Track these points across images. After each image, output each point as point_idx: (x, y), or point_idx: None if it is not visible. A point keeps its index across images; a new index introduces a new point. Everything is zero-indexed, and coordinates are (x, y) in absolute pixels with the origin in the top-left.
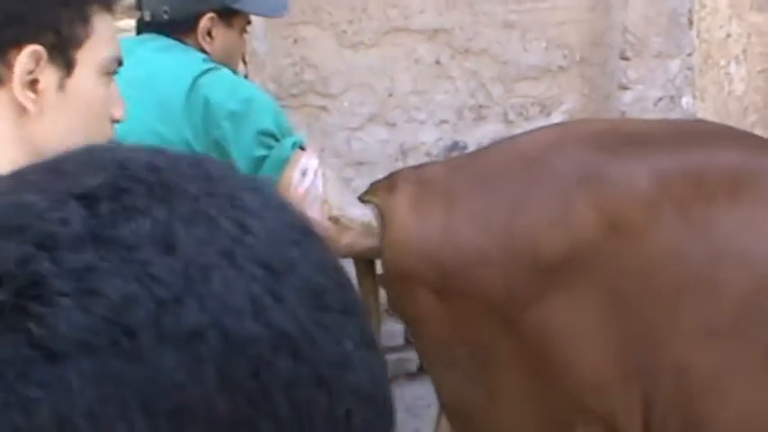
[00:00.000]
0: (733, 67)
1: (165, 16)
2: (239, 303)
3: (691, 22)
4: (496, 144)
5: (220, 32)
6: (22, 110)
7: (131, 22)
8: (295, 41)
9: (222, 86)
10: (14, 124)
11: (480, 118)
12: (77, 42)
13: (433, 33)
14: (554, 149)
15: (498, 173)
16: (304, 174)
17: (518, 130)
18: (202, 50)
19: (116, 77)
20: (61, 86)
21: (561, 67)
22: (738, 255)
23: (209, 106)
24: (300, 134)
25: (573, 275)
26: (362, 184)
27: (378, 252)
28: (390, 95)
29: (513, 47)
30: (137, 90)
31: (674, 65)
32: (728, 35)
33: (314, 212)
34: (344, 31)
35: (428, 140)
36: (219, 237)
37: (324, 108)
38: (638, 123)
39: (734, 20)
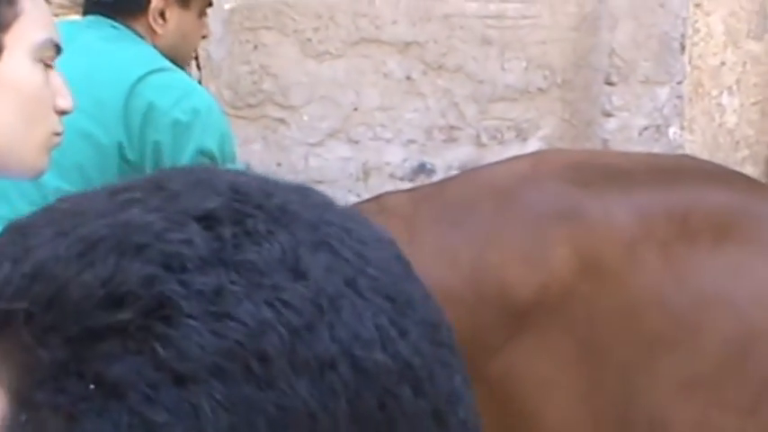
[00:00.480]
0: (725, 98)
1: None
2: (368, 334)
3: (683, 48)
4: (465, 173)
5: (175, 14)
6: None
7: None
8: (255, 47)
9: (170, 91)
10: None
11: (451, 139)
12: (3, 26)
13: (405, 46)
14: (528, 182)
15: (467, 205)
16: None
17: (491, 155)
18: (153, 34)
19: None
20: None
21: (541, 89)
22: (722, 300)
23: (152, 110)
24: (240, 164)
25: (545, 318)
26: None
27: None
28: (355, 110)
29: (490, 65)
30: (72, 84)
31: (663, 92)
32: (723, 63)
33: None
34: (309, 40)
35: (393, 161)
36: (343, 265)
37: (282, 121)
38: (620, 156)
39: (729, 47)
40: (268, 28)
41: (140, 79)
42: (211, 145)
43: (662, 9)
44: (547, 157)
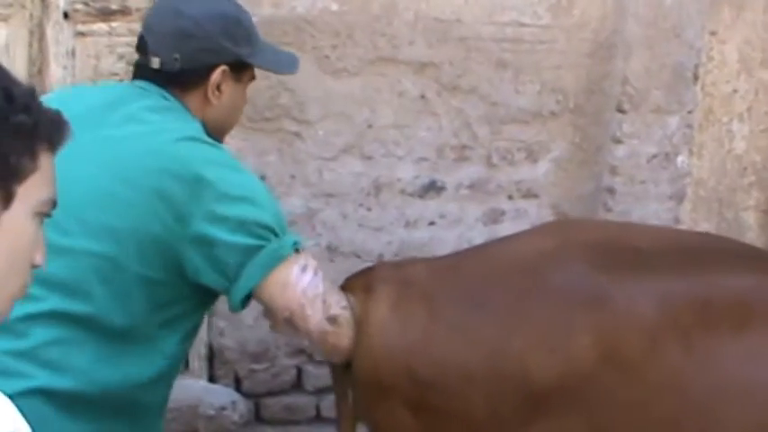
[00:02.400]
0: (735, 125)
1: (177, 65)
2: None
3: (696, 78)
4: (485, 247)
5: (229, 86)
6: None
7: None
8: None
9: (222, 170)
10: None
11: (462, 158)
12: (22, 176)
13: (421, 67)
14: (552, 262)
15: (488, 281)
16: (304, 270)
17: (501, 175)
18: (206, 106)
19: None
20: None
21: (553, 113)
22: (742, 388)
23: (201, 182)
24: (299, 236)
25: (563, 405)
26: (330, 215)
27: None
28: (369, 127)
29: (504, 87)
30: (112, 151)
31: (673, 121)
32: (735, 91)
33: (315, 310)
34: (327, 57)
35: (405, 177)
36: None
37: (297, 134)
38: (643, 234)
39: (742, 75)
40: (287, 44)
41: (186, 150)
42: (268, 218)
43: (677, 39)
44: (568, 233)
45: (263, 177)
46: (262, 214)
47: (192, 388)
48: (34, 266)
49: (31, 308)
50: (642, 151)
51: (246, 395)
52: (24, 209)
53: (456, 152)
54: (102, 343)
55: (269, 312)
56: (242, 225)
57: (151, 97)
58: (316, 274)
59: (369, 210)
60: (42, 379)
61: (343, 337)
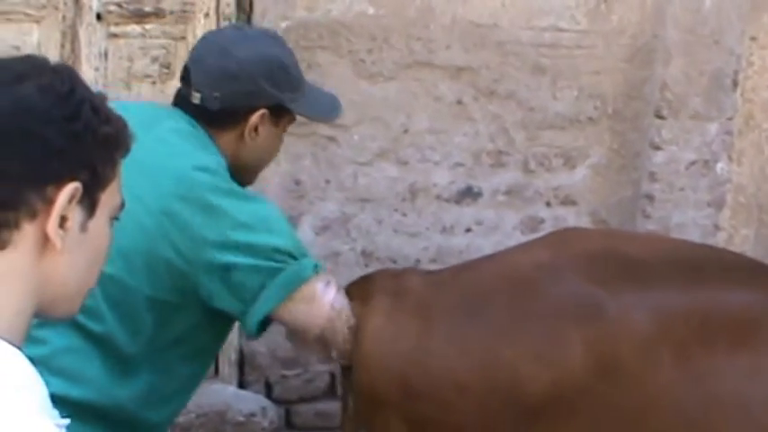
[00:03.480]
0: None
1: (216, 104)
2: None
3: (735, 84)
4: (484, 259)
5: (267, 129)
6: (44, 247)
7: None
8: (309, 66)
9: (237, 199)
10: (34, 261)
11: (499, 164)
12: (105, 184)
13: (457, 71)
14: (547, 274)
15: (484, 293)
16: (327, 285)
17: (538, 181)
18: (239, 144)
19: None
20: (84, 227)
21: (591, 119)
22: (736, 404)
23: (217, 211)
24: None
25: (556, 417)
26: (365, 220)
27: None
28: (405, 132)
29: (541, 93)
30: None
31: (713, 128)
32: None
33: (341, 323)
34: (363, 61)
35: (440, 182)
36: None
37: (332, 139)
38: (643, 245)
39: None
40: (323, 48)
41: (198, 175)
42: (285, 243)
43: (716, 45)
44: (567, 245)
45: (297, 182)
46: (279, 240)
47: (221, 393)
48: None
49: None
50: (681, 157)
51: (277, 401)
52: (104, 215)
53: (492, 158)
54: (113, 360)
55: (295, 333)
56: (259, 251)
57: (180, 122)
58: (338, 289)
59: (404, 215)
60: (55, 386)
61: None
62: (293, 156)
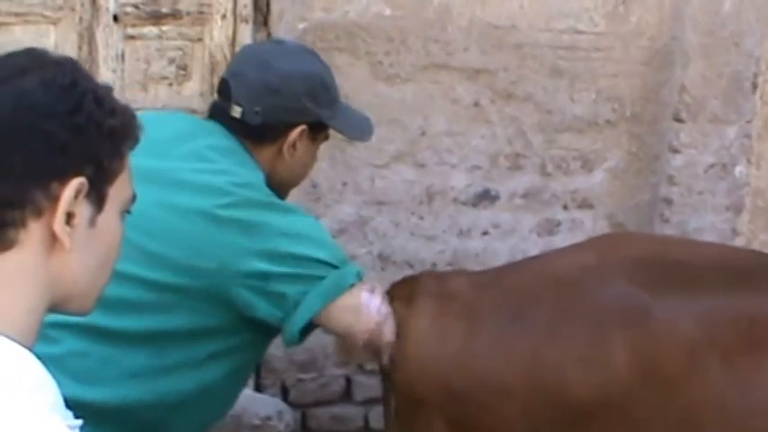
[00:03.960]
0: None
1: (257, 119)
2: None
3: (754, 87)
4: (528, 261)
5: (304, 145)
6: (52, 244)
7: None
8: None
9: (278, 213)
10: (42, 259)
11: (516, 167)
12: (112, 178)
13: (475, 73)
14: (593, 276)
15: (528, 296)
16: (372, 292)
17: (555, 184)
18: (277, 159)
19: None
20: (92, 222)
21: (609, 122)
22: None
23: (258, 225)
24: (360, 267)
25: (603, 421)
26: (382, 223)
27: None
28: (422, 134)
29: (559, 95)
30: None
31: (732, 131)
32: None
33: (387, 329)
34: (380, 63)
35: (458, 185)
36: None
37: (349, 141)
38: (691, 250)
39: None
40: (340, 49)
41: (240, 191)
42: (323, 254)
43: (735, 48)
44: (613, 248)
45: (314, 185)
46: (320, 251)
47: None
48: None
49: (65, 316)
50: (700, 161)
51: (293, 405)
52: (114, 209)
53: (510, 160)
54: (137, 360)
55: (344, 340)
56: (301, 260)
57: (217, 137)
58: (383, 296)
59: (421, 218)
60: (69, 388)
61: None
62: None
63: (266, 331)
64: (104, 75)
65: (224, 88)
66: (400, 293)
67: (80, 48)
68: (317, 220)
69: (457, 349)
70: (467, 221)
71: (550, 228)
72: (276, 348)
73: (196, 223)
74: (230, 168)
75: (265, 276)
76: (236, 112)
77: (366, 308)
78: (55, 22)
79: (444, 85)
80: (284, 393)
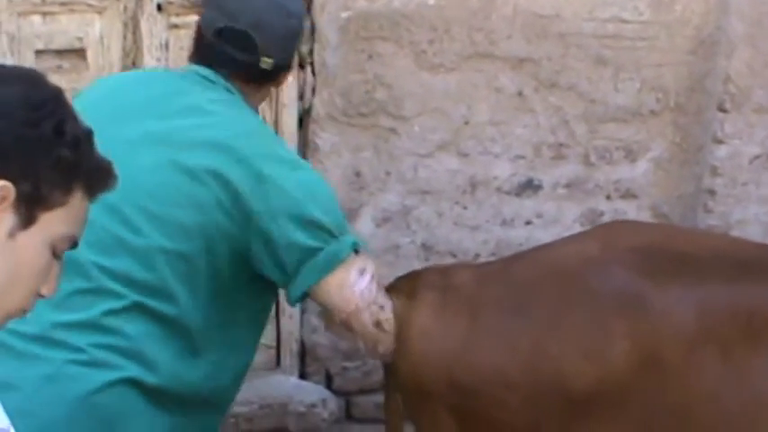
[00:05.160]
0: None
1: (284, 65)
2: None
3: None
4: (532, 252)
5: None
6: None
7: None
8: (370, 57)
9: (284, 167)
10: None
11: (560, 157)
12: (49, 205)
13: (519, 63)
14: (594, 267)
15: (530, 288)
16: (362, 273)
17: (599, 174)
18: (263, 99)
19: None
20: (12, 234)
21: (653, 112)
22: None
23: (265, 180)
24: (355, 234)
25: (601, 412)
26: (425, 213)
27: None
28: (466, 124)
29: (603, 85)
30: (173, 137)
31: None
32: None
33: (364, 316)
34: (424, 52)
35: (501, 175)
36: None
37: (393, 130)
38: (691, 240)
39: None
40: (383, 38)
41: (245, 142)
42: (324, 218)
43: None
44: (616, 238)
45: (358, 174)
46: (321, 216)
47: (282, 385)
48: (40, 296)
49: (114, 304)
50: (744, 152)
51: (337, 393)
52: (42, 236)
53: (553, 150)
54: (183, 341)
55: (325, 312)
56: (302, 225)
57: (216, 90)
58: (372, 278)
59: (465, 208)
60: (131, 370)
61: (387, 342)
62: (354, 147)
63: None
64: (149, 63)
65: (245, 41)
66: (403, 288)
67: (124, 37)
68: (319, 175)
69: (460, 342)
70: (510, 211)
71: (593, 218)
72: (321, 337)
73: (206, 183)
74: (232, 119)
75: (269, 239)
76: (267, 64)
77: (350, 289)
78: (100, 12)
79: (488, 74)
80: (328, 381)
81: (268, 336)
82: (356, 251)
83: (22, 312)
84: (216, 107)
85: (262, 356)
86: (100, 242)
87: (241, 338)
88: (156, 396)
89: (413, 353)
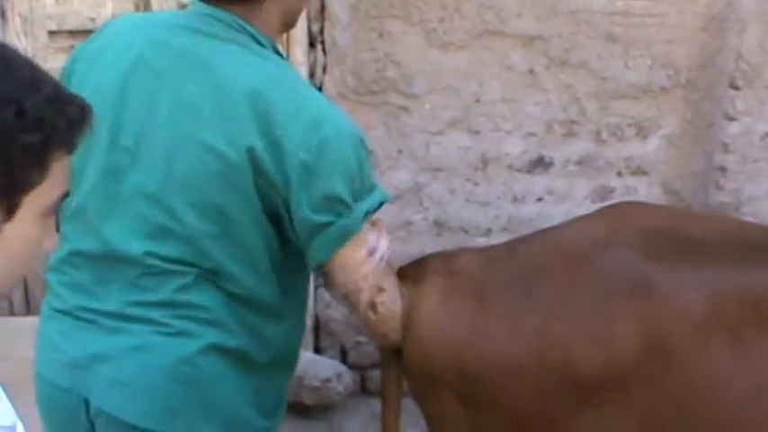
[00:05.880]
0: None
1: None
2: None
3: None
4: (539, 234)
5: None
6: None
7: None
8: (380, 35)
9: (296, 124)
10: None
11: (571, 134)
12: (28, 188)
13: (529, 40)
14: (601, 249)
15: (537, 271)
16: (371, 254)
17: (610, 151)
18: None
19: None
20: None
21: (664, 89)
22: None
23: (282, 147)
24: (378, 187)
25: (609, 396)
26: (437, 190)
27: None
28: (477, 101)
29: (614, 62)
30: (187, 99)
31: None
32: None
33: (362, 296)
34: (434, 30)
35: (512, 152)
36: None
37: (404, 108)
38: (701, 224)
39: None
40: (394, 16)
41: (263, 94)
42: (340, 188)
43: None
44: (624, 219)
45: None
46: (335, 185)
47: None
48: (46, 251)
49: (182, 280)
50: (755, 129)
51: (352, 367)
52: (29, 215)
53: (564, 127)
54: (255, 308)
55: (328, 283)
56: (315, 198)
57: (229, 32)
58: (381, 259)
59: (476, 184)
60: (213, 337)
61: (382, 326)
62: (365, 126)
63: None
64: None
65: None
66: (409, 274)
67: None
68: (346, 127)
69: (467, 328)
70: (521, 188)
71: (604, 194)
72: (335, 311)
73: (235, 150)
74: (253, 70)
75: (291, 210)
76: None
77: (356, 268)
78: None
79: (498, 52)
80: (343, 356)
81: None
82: (369, 219)
83: (30, 272)
84: (225, 57)
85: None
86: (149, 234)
87: (303, 300)
88: (239, 359)
89: (420, 339)
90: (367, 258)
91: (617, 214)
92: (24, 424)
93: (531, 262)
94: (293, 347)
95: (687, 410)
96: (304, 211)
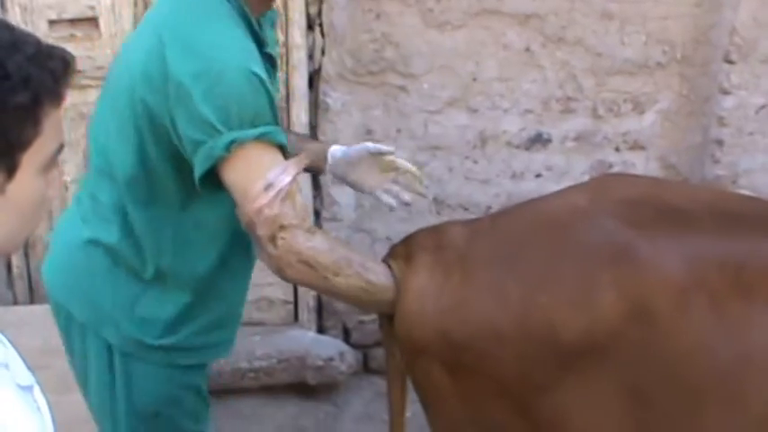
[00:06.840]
0: None
1: None
2: None
3: None
4: (522, 205)
5: None
6: None
7: None
8: (377, 16)
9: (186, 52)
10: None
11: (568, 110)
12: (24, 146)
13: (525, 18)
14: (583, 218)
15: (520, 241)
16: (267, 188)
17: (607, 127)
18: None
19: None
20: (2, 191)
21: (659, 64)
22: None
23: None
24: (267, 127)
25: (591, 362)
26: (437, 168)
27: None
28: (474, 80)
29: (609, 39)
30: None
31: None
32: None
33: (261, 230)
34: (431, 10)
35: (510, 129)
36: None
37: (402, 88)
38: (683, 194)
39: None
40: None
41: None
42: (210, 112)
43: None
44: (606, 190)
45: (369, 131)
46: (209, 110)
47: (300, 339)
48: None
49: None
50: (750, 102)
51: (355, 346)
52: (30, 171)
53: (562, 104)
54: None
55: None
56: (191, 116)
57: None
58: (278, 195)
59: (475, 162)
60: (99, 232)
61: (280, 261)
62: (364, 106)
63: None
64: None
65: None
66: (399, 253)
67: (135, 4)
68: (231, 64)
69: (453, 300)
70: (520, 165)
71: (602, 169)
72: None
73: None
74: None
75: (176, 125)
76: None
77: (252, 201)
78: None
79: (495, 30)
80: (346, 335)
81: (285, 291)
82: (228, 152)
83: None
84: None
85: (279, 312)
86: (100, 150)
87: (219, 238)
88: (117, 260)
89: (409, 313)
90: (262, 192)
91: (599, 185)
92: None
93: (513, 232)
94: (196, 273)
95: (669, 376)
96: (182, 126)
